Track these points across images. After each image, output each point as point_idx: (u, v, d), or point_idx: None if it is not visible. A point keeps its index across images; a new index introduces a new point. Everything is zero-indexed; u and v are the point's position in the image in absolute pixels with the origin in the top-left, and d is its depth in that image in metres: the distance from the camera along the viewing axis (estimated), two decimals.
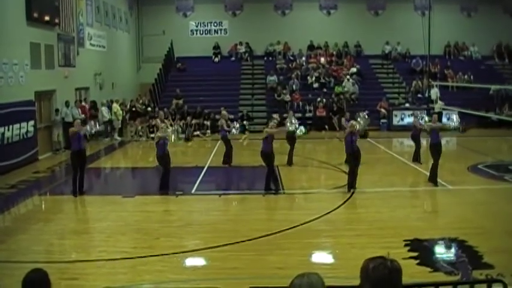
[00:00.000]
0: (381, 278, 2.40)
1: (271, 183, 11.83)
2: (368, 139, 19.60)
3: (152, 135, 13.35)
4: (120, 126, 21.85)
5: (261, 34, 28.46)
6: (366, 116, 13.66)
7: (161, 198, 11.57)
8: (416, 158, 15.08)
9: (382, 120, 23.76)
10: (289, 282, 2.53)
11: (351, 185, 11.74)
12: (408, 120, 22.18)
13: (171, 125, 20.19)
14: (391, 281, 2.41)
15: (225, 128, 15.23)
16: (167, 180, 11.94)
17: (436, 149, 12.42)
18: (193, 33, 29.42)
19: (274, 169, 12.13)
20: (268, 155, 11.94)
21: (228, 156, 15.07)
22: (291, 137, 14.94)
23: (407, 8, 28.47)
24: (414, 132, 15.12)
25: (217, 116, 20.18)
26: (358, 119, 12.82)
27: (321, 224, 9.37)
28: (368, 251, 7.49)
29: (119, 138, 21.39)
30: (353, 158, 11.90)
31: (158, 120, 15.43)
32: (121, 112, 21.76)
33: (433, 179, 12.34)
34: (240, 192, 11.84)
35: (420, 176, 13.27)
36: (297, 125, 14.45)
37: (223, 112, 16.39)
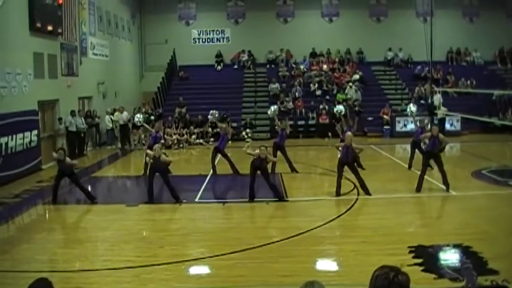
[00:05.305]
0: None
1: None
2: (371, 145, 19.58)
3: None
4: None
5: (263, 42, 28.58)
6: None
7: (165, 206, 11.57)
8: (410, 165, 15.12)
9: (385, 127, 23.79)
10: None
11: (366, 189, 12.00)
12: (411, 126, 22.15)
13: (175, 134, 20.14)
14: None
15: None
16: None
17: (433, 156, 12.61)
18: (195, 42, 29.53)
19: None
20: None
21: (233, 166, 15.03)
22: (279, 146, 15.06)
23: (409, 15, 28.46)
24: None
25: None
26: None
27: (325, 231, 9.35)
28: (372, 258, 7.48)
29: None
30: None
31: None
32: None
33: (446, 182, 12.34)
34: (244, 200, 11.81)
35: (424, 182, 13.20)
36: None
37: (223, 125, 16.28)
